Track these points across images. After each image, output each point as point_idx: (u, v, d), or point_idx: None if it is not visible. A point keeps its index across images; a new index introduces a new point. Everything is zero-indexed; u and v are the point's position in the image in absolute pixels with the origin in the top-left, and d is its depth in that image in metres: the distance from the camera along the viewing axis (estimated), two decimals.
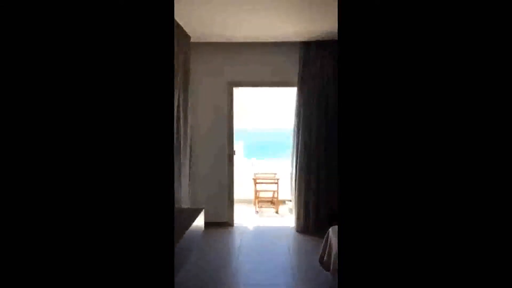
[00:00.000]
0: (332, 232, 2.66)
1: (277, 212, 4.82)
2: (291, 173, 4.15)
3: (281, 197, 4.93)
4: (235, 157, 4.25)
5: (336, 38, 3.78)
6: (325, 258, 2.68)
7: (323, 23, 3.35)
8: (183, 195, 3.46)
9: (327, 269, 2.61)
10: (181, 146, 3.39)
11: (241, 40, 3.93)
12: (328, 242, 2.68)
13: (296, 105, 4.03)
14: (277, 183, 4.87)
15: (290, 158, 4.17)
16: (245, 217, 4.58)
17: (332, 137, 3.95)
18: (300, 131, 3.99)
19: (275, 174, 5.17)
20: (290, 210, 4.25)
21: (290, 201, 4.25)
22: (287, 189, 4.68)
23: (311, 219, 3.97)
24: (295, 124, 4.05)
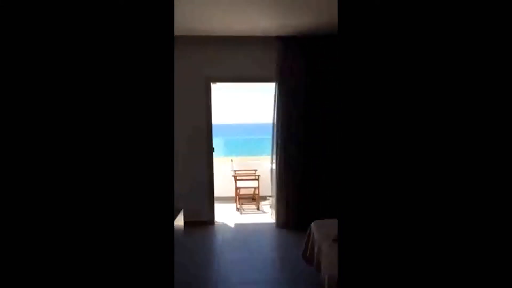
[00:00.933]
0: (315, 227, 2.66)
1: (258, 209, 4.79)
2: (272, 169, 4.13)
3: (262, 193, 4.91)
4: (214, 154, 4.17)
5: (314, 34, 3.78)
6: (308, 252, 2.67)
7: (301, 19, 3.33)
8: None
9: (310, 264, 2.60)
10: None
11: (219, 34, 3.84)
12: (311, 236, 2.67)
13: (275, 101, 4.00)
14: (257, 179, 4.84)
15: (270, 154, 4.14)
16: (226, 215, 4.52)
17: (311, 133, 3.96)
18: (279, 127, 3.97)
19: (256, 170, 5.13)
20: (272, 206, 4.23)
21: (272, 197, 4.23)
22: (268, 185, 4.66)
23: (292, 214, 3.97)
24: (274, 120, 4.02)
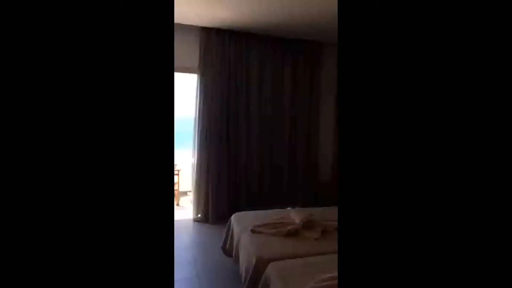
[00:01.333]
0: (234, 219, 2.69)
1: (177, 205, 4.63)
2: (192, 164, 4.03)
3: (183, 188, 4.75)
4: None
5: (239, 28, 3.79)
6: (227, 244, 2.69)
7: (227, 11, 3.30)
8: None
9: (229, 255, 2.63)
10: None
11: None
12: (231, 229, 2.70)
13: (197, 93, 3.89)
14: (178, 174, 4.66)
15: (192, 148, 4.03)
16: None
17: (233, 127, 3.99)
18: (200, 120, 3.89)
19: (176, 165, 4.93)
20: (192, 201, 4.13)
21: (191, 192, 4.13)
22: (189, 180, 4.53)
23: (211, 209, 3.95)
24: (196, 113, 3.92)
